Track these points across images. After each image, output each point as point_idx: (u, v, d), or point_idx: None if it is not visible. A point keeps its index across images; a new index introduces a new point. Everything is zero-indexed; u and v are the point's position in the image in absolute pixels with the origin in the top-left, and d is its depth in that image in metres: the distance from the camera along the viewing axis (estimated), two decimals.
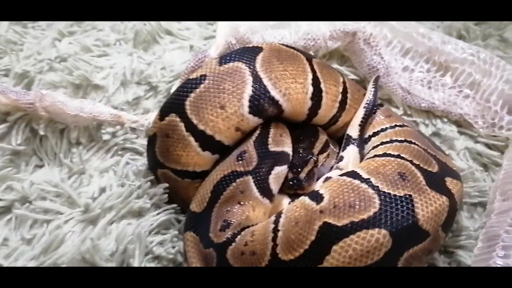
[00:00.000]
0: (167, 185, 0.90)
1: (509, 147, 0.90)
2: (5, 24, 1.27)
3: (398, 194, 0.72)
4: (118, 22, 1.24)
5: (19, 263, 0.83)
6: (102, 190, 0.92)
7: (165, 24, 1.20)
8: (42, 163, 1.01)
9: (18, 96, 0.99)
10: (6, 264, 0.83)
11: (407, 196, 0.72)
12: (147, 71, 1.11)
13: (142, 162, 0.98)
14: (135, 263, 0.81)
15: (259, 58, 0.84)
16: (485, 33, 1.14)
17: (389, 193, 0.72)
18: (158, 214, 0.89)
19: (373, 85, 0.98)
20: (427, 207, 0.72)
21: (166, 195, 0.90)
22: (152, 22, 1.18)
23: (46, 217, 0.88)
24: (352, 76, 1.10)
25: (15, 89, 1.03)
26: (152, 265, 0.84)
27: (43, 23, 1.26)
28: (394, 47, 1.09)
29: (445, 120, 1.02)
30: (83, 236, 0.83)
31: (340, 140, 0.96)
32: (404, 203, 0.71)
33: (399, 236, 0.69)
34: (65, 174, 0.96)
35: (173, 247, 0.85)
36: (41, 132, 0.99)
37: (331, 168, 0.91)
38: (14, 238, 0.88)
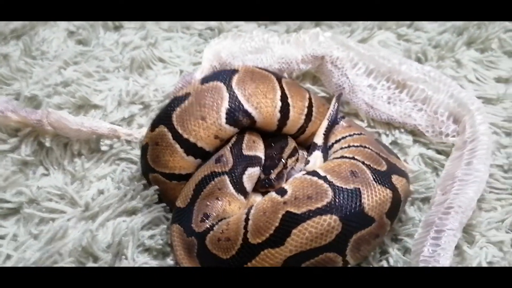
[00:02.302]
0: (157, 187, 1.09)
1: (452, 151, 1.12)
2: (16, 55, 1.54)
3: (348, 188, 0.92)
4: (117, 53, 1.50)
5: (27, 254, 1.01)
6: (101, 192, 1.13)
7: (158, 52, 1.46)
8: (48, 172, 1.21)
9: (28, 114, 1.22)
10: (15, 254, 1.02)
11: (356, 189, 0.92)
12: (141, 92, 1.34)
13: (136, 169, 1.19)
14: (129, 253, 1.01)
15: (235, 78, 1.07)
16: (439, 55, 1.39)
17: (341, 187, 0.92)
18: (149, 212, 1.08)
19: (335, 101, 1.21)
20: (372, 197, 0.92)
21: (156, 196, 1.09)
22: (147, 51, 1.44)
23: (51, 215, 1.09)
24: (323, 94, 1.33)
25: (25, 109, 1.27)
26: (143, 255, 1.02)
27: (50, 55, 1.52)
28: (360, 68, 1.33)
29: (402, 130, 1.23)
30: (84, 229, 1.03)
31: (308, 147, 1.17)
32: (353, 195, 0.91)
33: (348, 221, 0.88)
34: (68, 180, 1.17)
35: (162, 240, 1.04)
36: (47, 145, 1.21)
37: (300, 170, 1.12)
38: (22, 234, 1.07)
